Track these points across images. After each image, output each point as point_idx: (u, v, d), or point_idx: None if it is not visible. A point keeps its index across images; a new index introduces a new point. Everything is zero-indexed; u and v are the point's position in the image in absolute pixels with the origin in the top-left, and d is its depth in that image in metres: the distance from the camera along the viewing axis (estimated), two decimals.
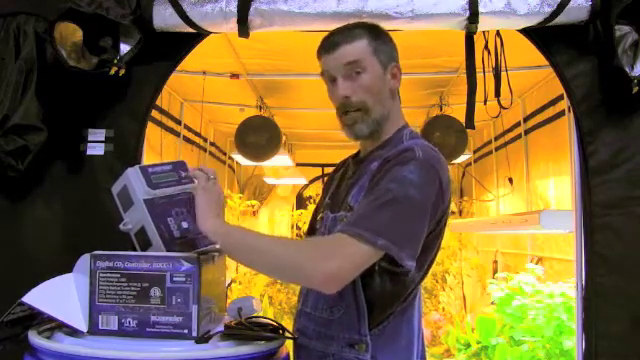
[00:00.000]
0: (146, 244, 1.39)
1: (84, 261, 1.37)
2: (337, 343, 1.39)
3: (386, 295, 1.36)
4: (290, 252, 1.31)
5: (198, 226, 1.34)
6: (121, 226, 1.43)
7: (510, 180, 4.58)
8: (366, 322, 1.36)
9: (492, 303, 3.59)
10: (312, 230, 1.60)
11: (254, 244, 1.31)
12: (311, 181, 6.89)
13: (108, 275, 1.33)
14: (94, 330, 1.33)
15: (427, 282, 5.03)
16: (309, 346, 1.44)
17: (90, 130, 2.01)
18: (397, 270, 1.33)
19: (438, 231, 1.41)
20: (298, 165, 6.24)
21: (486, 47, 2.28)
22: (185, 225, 1.42)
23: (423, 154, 1.35)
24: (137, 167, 1.44)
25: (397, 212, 1.28)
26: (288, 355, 1.45)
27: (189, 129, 4.63)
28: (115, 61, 1.89)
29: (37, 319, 1.43)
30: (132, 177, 1.42)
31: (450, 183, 1.40)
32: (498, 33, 2.24)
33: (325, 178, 1.85)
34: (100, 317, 1.33)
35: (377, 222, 1.27)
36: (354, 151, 1.62)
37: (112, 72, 1.90)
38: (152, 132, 3.52)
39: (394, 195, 1.29)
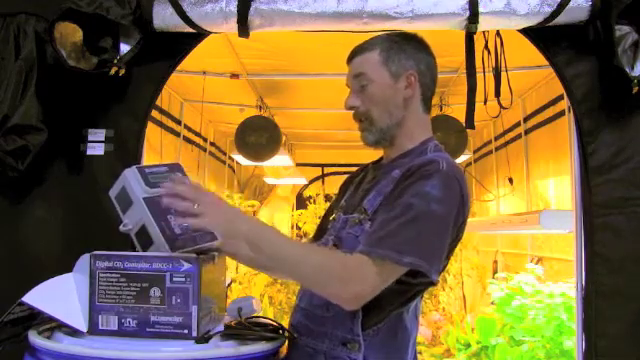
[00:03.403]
0: (148, 243, 1.39)
1: (84, 261, 1.37)
2: (330, 341, 1.38)
3: (385, 297, 1.36)
4: (317, 268, 1.29)
5: (224, 217, 1.27)
6: (121, 227, 1.43)
7: (510, 180, 4.58)
8: (359, 322, 1.36)
9: (492, 303, 3.59)
10: (322, 230, 1.60)
11: (283, 249, 1.30)
12: (311, 181, 6.90)
13: (108, 275, 1.33)
14: (94, 330, 1.33)
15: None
16: (300, 342, 1.44)
17: (90, 130, 2.01)
18: (405, 280, 1.34)
19: (457, 241, 1.42)
20: (298, 165, 6.24)
21: (486, 47, 2.28)
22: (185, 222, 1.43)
23: (447, 167, 1.35)
24: (134, 167, 1.44)
25: (421, 228, 1.29)
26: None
27: (189, 129, 4.63)
28: (115, 61, 1.90)
29: (37, 319, 1.43)
30: (130, 177, 1.42)
31: (470, 194, 1.41)
32: (498, 33, 2.24)
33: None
34: (100, 317, 1.33)
35: (402, 240, 1.28)
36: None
37: (112, 72, 1.90)
38: (152, 132, 3.52)
39: (417, 212, 1.29)
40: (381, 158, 1.59)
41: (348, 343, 1.37)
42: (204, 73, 3.67)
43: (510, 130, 4.53)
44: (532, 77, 3.69)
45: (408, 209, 1.30)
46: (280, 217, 7.00)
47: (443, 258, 1.34)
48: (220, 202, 1.30)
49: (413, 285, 1.37)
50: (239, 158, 4.80)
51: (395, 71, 1.46)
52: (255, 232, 1.29)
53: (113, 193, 1.46)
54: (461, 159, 4.71)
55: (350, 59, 1.51)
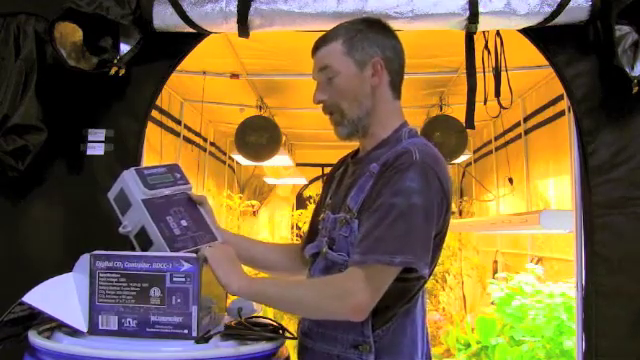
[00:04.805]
0: (147, 244, 1.39)
1: (84, 261, 1.37)
2: (341, 345, 1.39)
3: (390, 296, 1.36)
4: (315, 297, 1.34)
5: (226, 289, 1.35)
6: (120, 229, 1.43)
7: (510, 180, 4.58)
8: (370, 323, 1.36)
9: (492, 303, 3.59)
10: (314, 231, 1.59)
11: (281, 296, 1.36)
12: (311, 181, 6.90)
13: (108, 275, 1.33)
14: (94, 330, 1.33)
15: (427, 282, 5.03)
16: (314, 348, 1.44)
17: (90, 130, 2.01)
18: (403, 276, 1.34)
19: (444, 232, 1.41)
20: (298, 165, 6.24)
21: (486, 47, 2.28)
22: (184, 223, 1.43)
23: (420, 155, 1.34)
24: (132, 169, 1.45)
25: (406, 224, 1.30)
26: (288, 356, 1.45)
27: (189, 129, 4.63)
28: (115, 61, 1.90)
29: (37, 319, 1.43)
30: (128, 179, 1.43)
31: (450, 180, 1.40)
32: (498, 33, 2.24)
33: (325, 178, 1.85)
34: (100, 317, 1.33)
35: (391, 241, 1.28)
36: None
37: (112, 72, 1.90)
38: (152, 132, 3.52)
39: (400, 210, 1.29)
40: (358, 150, 1.57)
41: (359, 345, 1.37)
42: (204, 73, 3.67)
43: (510, 130, 4.53)
44: (532, 77, 3.69)
45: (391, 209, 1.30)
46: (280, 217, 7.00)
47: (430, 249, 1.33)
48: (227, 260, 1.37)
49: (412, 280, 1.37)
50: (239, 158, 4.80)
51: (360, 59, 1.43)
52: (249, 292, 1.35)
53: (112, 195, 1.46)
54: (461, 159, 4.72)
55: (314, 52, 1.48)
